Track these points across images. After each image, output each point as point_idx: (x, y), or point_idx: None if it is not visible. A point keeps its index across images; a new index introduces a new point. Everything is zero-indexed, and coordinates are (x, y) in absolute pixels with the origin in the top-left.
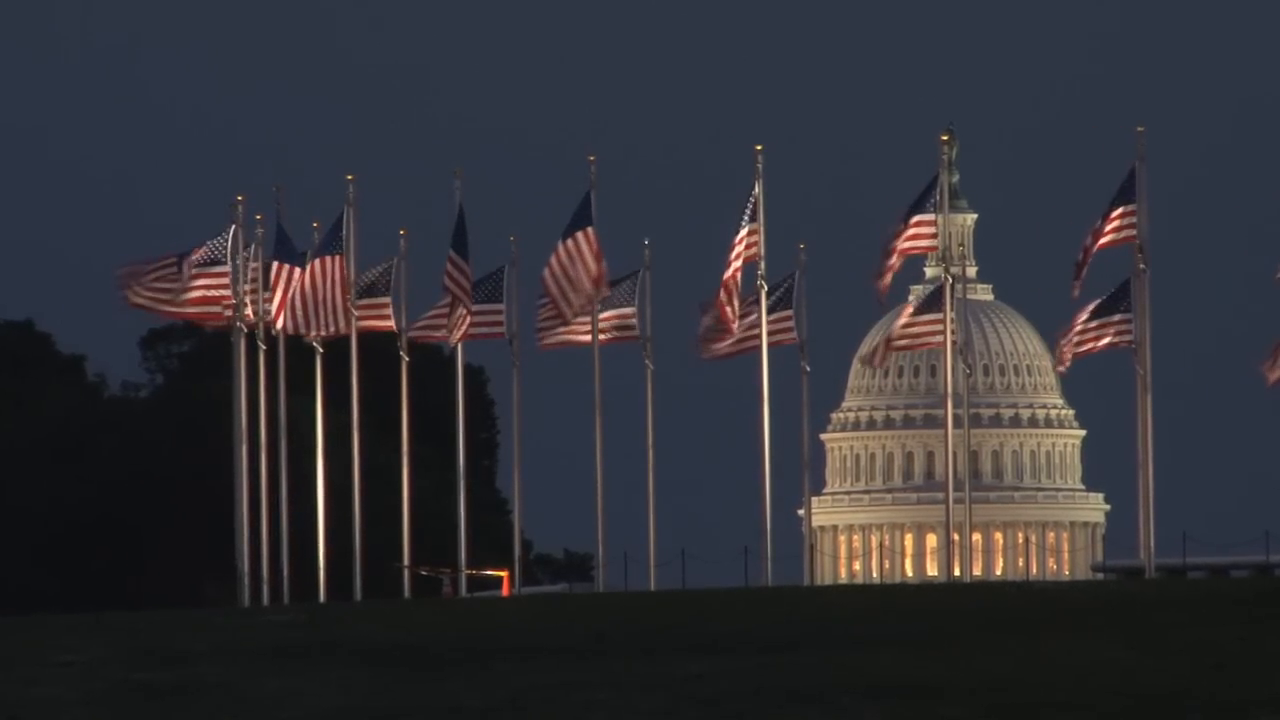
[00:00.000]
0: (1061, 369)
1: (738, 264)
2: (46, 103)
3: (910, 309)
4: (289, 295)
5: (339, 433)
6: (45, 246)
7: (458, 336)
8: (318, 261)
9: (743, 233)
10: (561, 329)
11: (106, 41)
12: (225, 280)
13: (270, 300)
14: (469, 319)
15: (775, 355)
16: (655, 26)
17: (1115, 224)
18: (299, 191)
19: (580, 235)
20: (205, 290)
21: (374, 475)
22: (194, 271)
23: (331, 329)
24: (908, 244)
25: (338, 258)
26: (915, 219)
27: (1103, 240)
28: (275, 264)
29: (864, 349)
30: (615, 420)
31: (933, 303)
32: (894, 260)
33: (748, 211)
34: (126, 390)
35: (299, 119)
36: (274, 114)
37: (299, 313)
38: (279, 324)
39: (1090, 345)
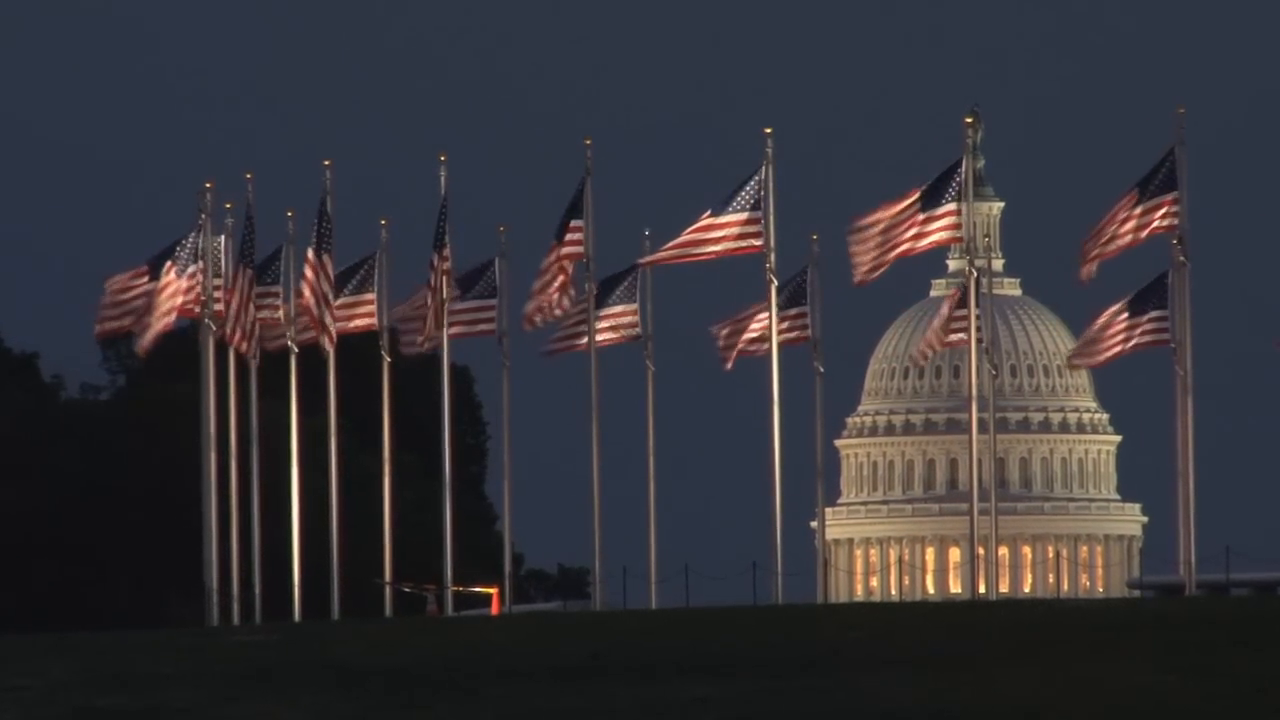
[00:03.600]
0: (1080, 364)
1: (711, 250)
2: None
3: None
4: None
5: (315, 438)
6: None
7: (427, 342)
8: (318, 264)
9: (740, 217)
10: (563, 335)
11: (63, 19)
12: (199, 279)
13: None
14: (447, 320)
15: (787, 355)
16: None
17: (1153, 213)
18: (271, 177)
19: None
20: (183, 294)
21: (353, 484)
22: (169, 278)
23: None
24: (930, 238)
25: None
26: (942, 209)
27: (1129, 233)
28: (236, 269)
29: (918, 346)
30: (613, 425)
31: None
32: (891, 256)
33: (751, 197)
34: (85, 392)
35: (271, 99)
36: (244, 95)
37: (318, 322)
38: (328, 341)
39: (1120, 348)
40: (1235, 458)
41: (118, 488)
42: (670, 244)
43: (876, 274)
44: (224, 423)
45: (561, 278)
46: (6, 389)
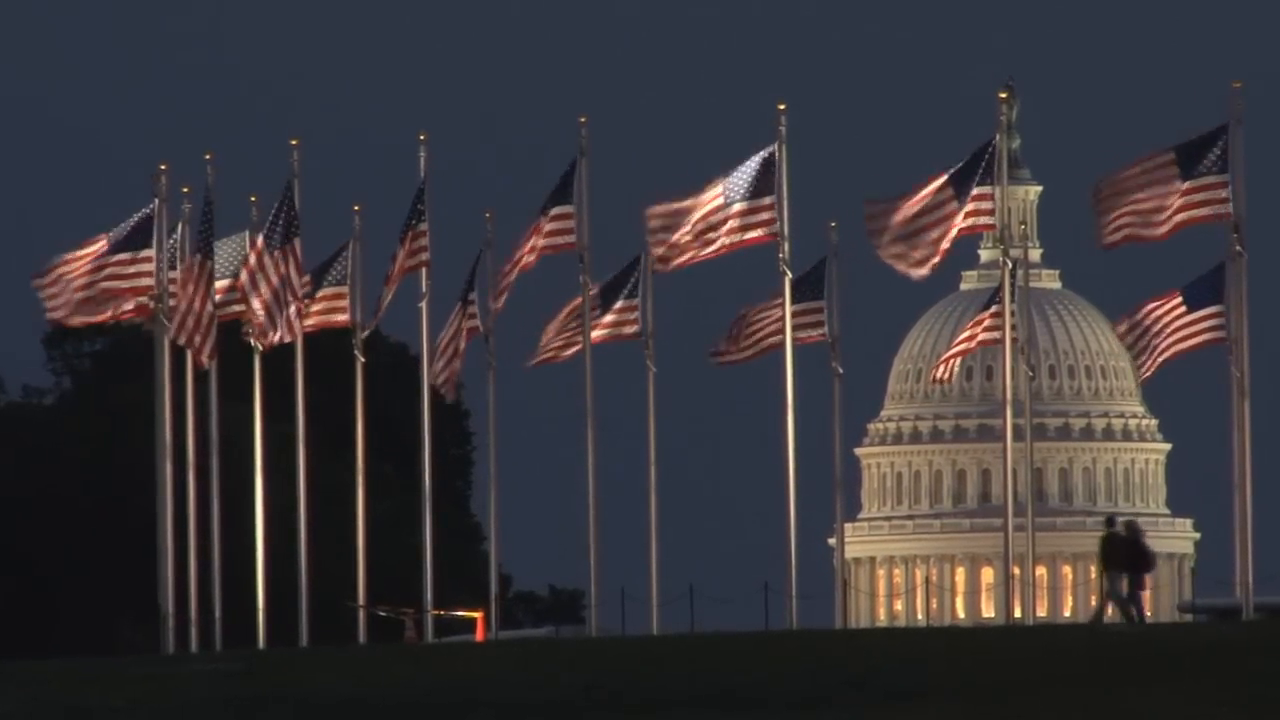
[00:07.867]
0: (1146, 375)
1: (723, 243)
2: None
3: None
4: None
5: (281, 446)
6: None
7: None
8: (277, 253)
9: (749, 204)
10: (550, 344)
11: None
12: (150, 267)
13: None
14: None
15: (802, 355)
16: None
17: (1202, 195)
18: (233, 159)
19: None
20: (129, 280)
21: (323, 497)
22: (115, 257)
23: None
24: (962, 223)
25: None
26: (975, 193)
27: (1170, 216)
28: (191, 260)
29: (937, 369)
30: (611, 432)
31: (992, 297)
32: (894, 233)
33: (762, 181)
34: (28, 395)
35: (232, 73)
36: (204, 69)
37: (269, 318)
38: (270, 338)
39: (1179, 346)
40: None
41: (63, 501)
42: (679, 229)
43: (920, 265)
44: (180, 429)
45: (509, 281)
46: None
